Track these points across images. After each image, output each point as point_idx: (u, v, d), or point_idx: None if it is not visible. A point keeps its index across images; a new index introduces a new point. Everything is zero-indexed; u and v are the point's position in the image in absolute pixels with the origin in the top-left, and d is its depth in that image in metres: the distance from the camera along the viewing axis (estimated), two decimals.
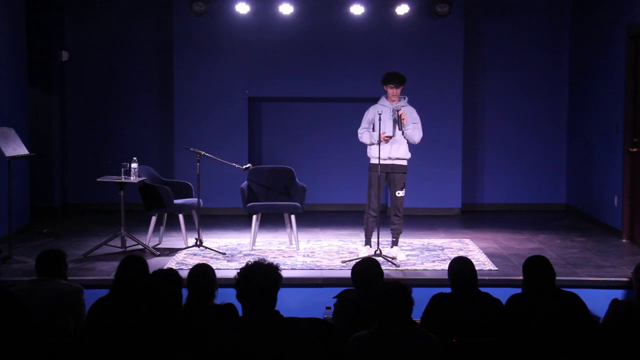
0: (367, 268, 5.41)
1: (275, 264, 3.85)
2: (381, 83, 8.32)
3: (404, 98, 8.32)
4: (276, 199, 9.12)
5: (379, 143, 8.11)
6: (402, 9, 10.90)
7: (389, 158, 8.21)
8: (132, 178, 8.49)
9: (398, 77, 8.22)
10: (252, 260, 3.87)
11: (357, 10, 10.90)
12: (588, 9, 10.98)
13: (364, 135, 8.30)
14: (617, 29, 9.71)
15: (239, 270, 3.84)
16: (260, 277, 3.76)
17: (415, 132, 8.25)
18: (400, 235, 8.42)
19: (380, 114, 8.08)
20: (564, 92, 11.72)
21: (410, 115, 8.27)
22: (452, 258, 5.59)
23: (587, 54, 10.96)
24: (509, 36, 11.67)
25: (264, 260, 3.86)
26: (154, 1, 11.57)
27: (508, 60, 11.67)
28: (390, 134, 8.16)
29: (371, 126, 8.27)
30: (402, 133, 8.23)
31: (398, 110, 8.18)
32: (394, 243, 8.35)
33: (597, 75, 10.51)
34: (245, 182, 9.11)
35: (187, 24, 11.15)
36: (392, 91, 8.21)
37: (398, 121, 8.20)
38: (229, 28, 11.18)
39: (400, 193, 8.28)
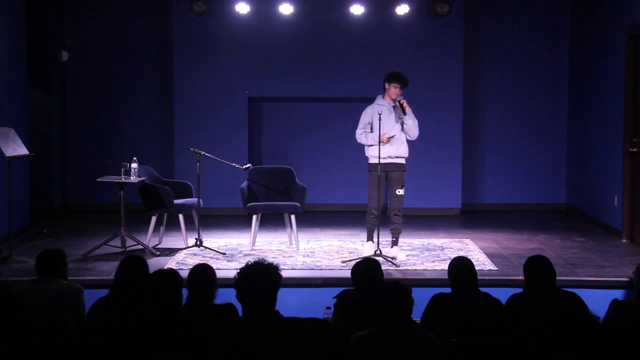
0: (367, 268, 5.41)
1: (275, 264, 3.85)
2: (385, 81, 8.31)
3: (400, 97, 8.36)
4: (276, 199, 9.12)
5: (379, 144, 8.11)
6: (402, 9, 10.90)
7: (389, 157, 8.22)
8: (132, 178, 8.49)
9: (404, 78, 8.27)
10: (252, 260, 3.88)
11: (357, 10, 10.90)
12: (588, 9, 10.98)
13: (362, 137, 8.31)
14: (617, 29, 9.71)
15: (238, 270, 3.84)
16: (260, 277, 3.76)
17: (414, 125, 8.29)
18: (400, 235, 8.42)
19: (380, 114, 8.09)
20: (564, 92, 11.72)
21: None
22: (452, 258, 5.59)
23: (587, 54, 10.96)
24: (509, 36, 11.67)
25: (264, 260, 3.86)
26: (154, 1, 11.57)
27: (508, 60, 11.67)
28: (392, 134, 8.17)
29: (369, 127, 8.28)
30: (402, 128, 8.23)
31: (400, 100, 8.19)
32: (394, 243, 8.35)
33: (597, 75, 10.51)
34: (245, 182, 9.11)
35: (187, 24, 11.15)
36: (397, 91, 8.23)
37: (402, 109, 8.19)
38: (229, 28, 11.18)
39: (400, 191, 8.29)
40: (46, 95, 11.21)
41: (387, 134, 8.14)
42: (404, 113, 8.21)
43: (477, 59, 11.63)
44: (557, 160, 11.78)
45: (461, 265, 5.35)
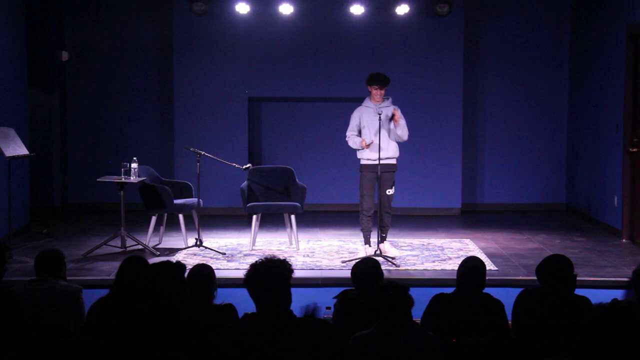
0: (367, 268, 5.41)
1: (284, 258, 3.87)
2: (365, 84, 8.40)
3: (388, 98, 8.40)
4: (276, 199, 9.12)
5: (378, 143, 8.14)
6: (402, 9, 10.90)
7: (380, 158, 8.23)
8: (132, 178, 8.49)
9: (382, 77, 8.33)
10: (263, 257, 3.87)
11: (357, 10, 10.90)
12: (588, 9, 10.98)
13: (350, 140, 8.42)
14: (617, 29, 9.71)
15: (249, 267, 3.83)
16: (271, 274, 3.76)
17: (403, 130, 8.34)
18: (391, 233, 8.49)
19: (380, 114, 8.12)
20: (564, 92, 11.71)
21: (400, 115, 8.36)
22: (467, 256, 5.53)
23: (587, 54, 10.96)
24: (509, 36, 11.66)
25: (274, 257, 3.87)
26: (154, 1, 11.57)
27: (508, 60, 11.67)
28: (370, 141, 8.20)
29: (357, 129, 8.35)
30: (389, 134, 8.25)
31: (393, 111, 8.21)
32: (383, 239, 8.38)
33: (597, 75, 10.51)
34: (245, 182, 9.11)
35: (187, 24, 11.15)
36: (377, 92, 8.31)
37: (391, 119, 8.23)
38: (229, 28, 11.18)
39: (390, 191, 8.37)
40: (46, 95, 11.22)
41: (365, 140, 8.20)
42: (395, 124, 8.22)
43: (477, 59, 11.63)
44: (557, 160, 11.78)
45: (473, 264, 5.30)
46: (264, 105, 11.64)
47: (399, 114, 8.22)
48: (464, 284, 5.23)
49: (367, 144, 8.21)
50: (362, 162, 8.38)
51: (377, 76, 8.33)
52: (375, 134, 8.21)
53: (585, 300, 5.24)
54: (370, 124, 8.28)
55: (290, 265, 3.87)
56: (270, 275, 3.76)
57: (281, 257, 3.87)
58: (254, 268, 3.81)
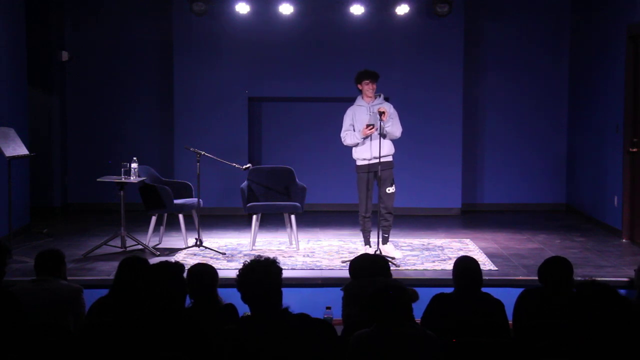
0: (372, 262, 5.44)
1: (271, 258, 3.87)
2: (355, 82, 8.34)
3: (379, 95, 8.36)
4: (276, 199, 9.12)
5: (379, 137, 8.08)
6: (402, 9, 10.90)
7: (374, 157, 8.19)
8: (132, 178, 8.49)
9: (372, 72, 8.28)
10: (248, 261, 3.88)
11: (357, 10, 10.90)
12: (588, 9, 10.98)
13: (347, 137, 8.32)
14: (617, 29, 9.71)
15: (238, 273, 3.84)
16: (261, 277, 3.77)
17: (395, 127, 8.27)
18: (391, 233, 8.44)
19: (380, 111, 8.08)
20: (564, 92, 11.71)
21: (389, 111, 8.27)
22: (459, 256, 5.54)
23: (587, 54, 10.96)
24: (509, 36, 11.66)
25: (260, 257, 3.87)
26: (154, 1, 11.57)
27: (508, 60, 11.67)
28: (371, 122, 8.13)
29: (352, 128, 8.30)
30: (380, 132, 8.15)
31: (379, 109, 8.16)
32: (386, 240, 8.35)
33: (597, 75, 10.51)
34: (245, 182, 9.11)
35: (187, 24, 11.15)
36: (369, 86, 8.24)
37: (379, 118, 8.16)
38: (229, 28, 11.18)
39: (390, 189, 8.28)
40: (46, 95, 11.22)
41: (366, 124, 8.11)
42: (382, 119, 8.12)
43: (477, 59, 11.63)
44: (557, 160, 11.78)
45: (469, 265, 5.30)
46: (264, 105, 11.64)
47: (386, 108, 8.16)
48: (462, 286, 5.23)
49: (368, 124, 8.10)
50: (358, 162, 8.34)
51: (366, 72, 8.28)
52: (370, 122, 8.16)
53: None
54: (365, 122, 8.22)
55: (278, 264, 3.88)
56: (260, 278, 3.76)
57: (269, 257, 3.87)
58: (243, 272, 3.81)
